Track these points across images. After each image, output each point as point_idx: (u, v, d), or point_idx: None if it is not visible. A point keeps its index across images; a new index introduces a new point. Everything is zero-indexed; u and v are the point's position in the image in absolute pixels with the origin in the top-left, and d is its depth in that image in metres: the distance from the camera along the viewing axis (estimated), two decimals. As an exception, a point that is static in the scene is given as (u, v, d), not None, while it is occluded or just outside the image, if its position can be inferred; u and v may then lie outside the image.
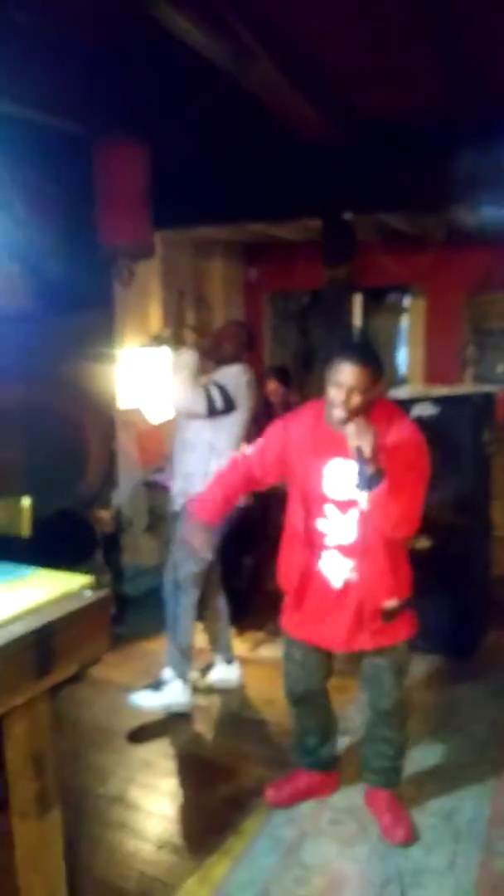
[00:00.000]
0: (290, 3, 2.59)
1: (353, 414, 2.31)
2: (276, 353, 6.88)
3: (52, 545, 3.14)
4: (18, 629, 1.89)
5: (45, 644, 1.96)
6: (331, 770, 2.85)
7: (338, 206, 4.00)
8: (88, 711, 3.49)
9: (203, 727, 3.39)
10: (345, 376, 2.32)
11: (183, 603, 3.48)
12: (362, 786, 2.84)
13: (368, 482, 2.22)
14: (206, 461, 3.44)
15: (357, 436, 2.21)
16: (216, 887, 2.37)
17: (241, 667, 3.82)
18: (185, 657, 3.49)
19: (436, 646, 3.79)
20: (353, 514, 2.43)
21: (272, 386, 5.36)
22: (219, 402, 3.42)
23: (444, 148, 3.64)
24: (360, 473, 2.23)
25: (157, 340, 4.86)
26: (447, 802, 2.76)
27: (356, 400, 2.32)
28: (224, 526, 3.48)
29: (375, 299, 7.01)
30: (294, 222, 5.11)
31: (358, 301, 4.27)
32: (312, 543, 2.53)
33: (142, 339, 4.93)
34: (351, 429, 2.24)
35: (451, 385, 4.56)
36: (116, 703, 3.55)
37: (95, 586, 2.21)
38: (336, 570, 2.51)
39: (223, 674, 3.75)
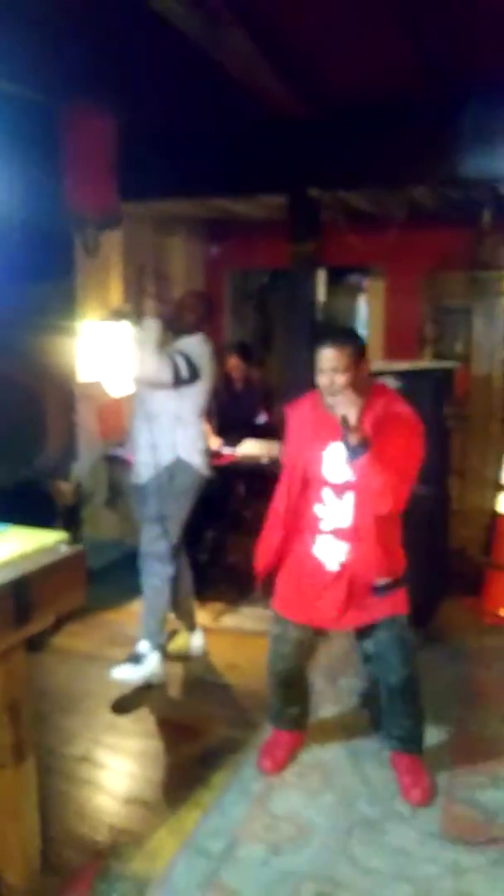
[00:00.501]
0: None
1: (342, 394, 2.42)
2: (236, 331, 6.94)
3: (11, 517, 3.15)
4: (-3, 578, 1.93)
5: (22, 595, 2.00)
6: (302, 728, 2.96)
7: (304, 182, 4.06)
8: (53, 678, 3.51)
9: (168, 691, 3.44)
10: (326, 360, 2.46)
11: (162, 576, 3.50)
12: (325, 741, 2.97)
13: (354, 451, 2.34)
14: (171, 431, 3.47)
15: (342, 406, 2.37)
16: (187, 837, 2.43)
17: (204, 635, 3.89)
18: (160, 629, 3.54)
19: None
20: (349, 498, 2.55)
21: (233, 362, 5.43)
22: (184, 371, 3.41)
23: (409, 126, 3.73)
24: (345, 442, 2.36)
25: (118, 315, 4.86)
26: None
27: (340, 380, 2.43)
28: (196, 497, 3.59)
29: (335, 280, 7.12)
30: (257, 199, 5.18)
31: (322, 277, 4.32)
32: (303, 528, 2.65)
33: (102, 313, 4.94)
34: (337, 400, 2.40)
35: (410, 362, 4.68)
36: (80, 670, 3.60)
37: (70, 542, 2.27)
38: (331, 553, 2.61)
39: (189, 640, 3.80)
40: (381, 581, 2.58)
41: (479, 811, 2.56)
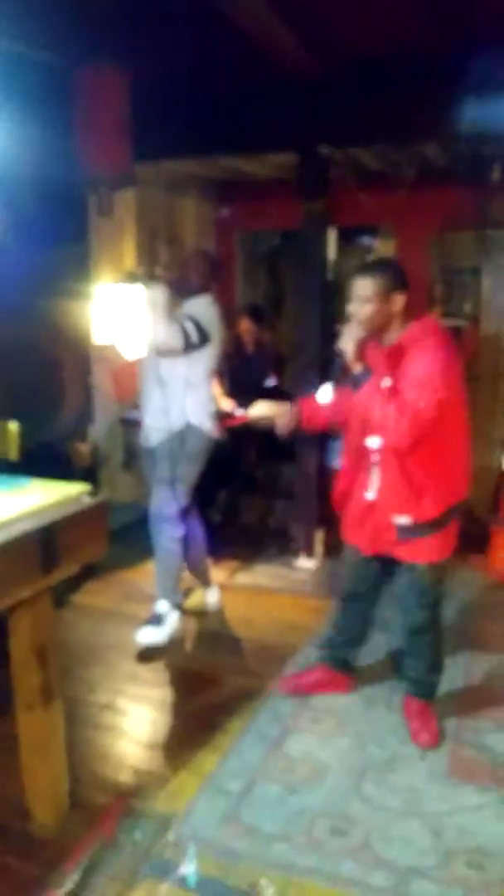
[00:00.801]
0: None
1: (366, 324, 2.47)
2: (247, 294, 6.93)
3: (31, 477, 3.22)
4: (24, 527, 2.00)
5: (49, 542, 2.08)
6: (346, 672, 3.04)
7: (315, 139, 4.05)
8: (75, 633, 3.62)
9: (187, 645, 3.54)
10: (356, 288, 2.50)
11: (173, 537, 3.56)
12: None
13: (354, 381, 2.45)
14: (182, 395, 3.48)
15: (344, 338, 2.45)
16: (206, 778, 2.54)
17: (219, 592, 3.98)
18: (176, 587, 3.62)
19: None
20: None
21: (245, 325, 5.45)
22: (194, 336, 3.40)
23: (419, 84, 3.71)
24: (336, 370, 2.49)
25: (132, 277, 4.89)
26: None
27: (367, 309, 2.46)
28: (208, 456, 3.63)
29: (345, 240, 7.08)
30: (266, 158, 5.15)
31: (332, 237, 4.32)
32: (359, 461, 2.69)
33: (117, 275, 4.96)
34: (343, 330, 2.47)
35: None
36: (100, 625, 3.70)
37: (92, 493, 2.34)
38: (371, 482, 2.66)
39: (204, 597, 3.90)
40: (401, 520, 2.57)
41: (485, 753, 2.66)
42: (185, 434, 3.50)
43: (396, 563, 2.70)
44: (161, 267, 3.61)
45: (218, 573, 4.33)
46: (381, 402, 2.40)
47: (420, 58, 3.57)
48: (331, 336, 4.33)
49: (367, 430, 2.59)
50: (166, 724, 2.95)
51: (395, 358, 2.45)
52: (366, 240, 7.02)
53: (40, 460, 4.14)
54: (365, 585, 2.88)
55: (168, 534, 3.56)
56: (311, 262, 4.27)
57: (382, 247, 6.42)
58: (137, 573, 4.25)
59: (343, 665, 3.03)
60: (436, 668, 2.83)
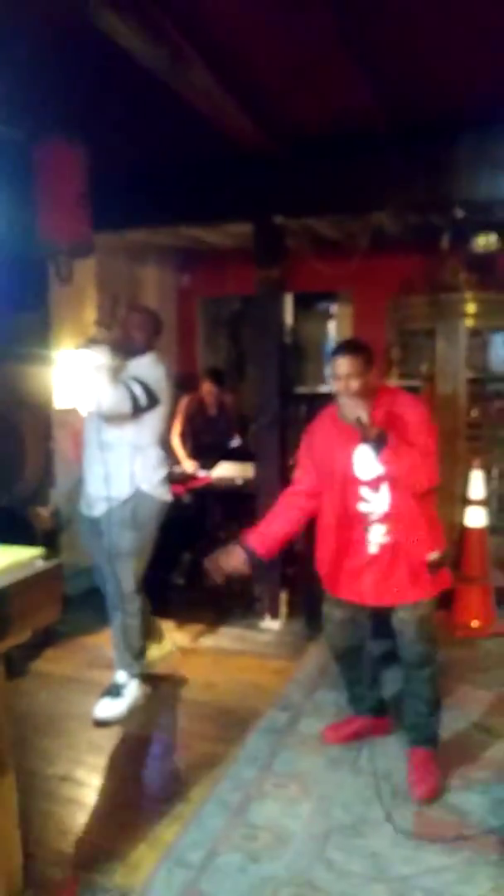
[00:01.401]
0: (222, 12, 2.74)
1: (356, 397, 2.68)
2: (209, 358, 7.04)
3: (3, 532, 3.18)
4: (-27, 594, 1.97)
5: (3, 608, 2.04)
6: (382, 714, 3.12)
7: (268, 210, 4.19)
8: (34, 702, 3.52)
9: (148, 711, 3.45)
10: (339, 368, 2.73)
11: (133, 611, 3.41)
12: (302, 752, 3.01)
13: (376, 444, 2.60)
14: (129, 461, 3.34)
15: (353, 409, 2.65)
16: (166, 849, 2.45)
17: (182, 656, 3.92)
18: (137, 659, 3.47)
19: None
20: (385, 488, 2.77)
21: (206, 387, 5.52)
22: (143, 399, 3.28)
23: (368, 155, 3.87)
24: (365, 440, 2.62)
25: (92, 343, 4.94)
26: (385, 763, 2.89)
27: (354, 384, 2.69)
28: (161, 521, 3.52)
29: (305, 306, 7.26)
30: (225, 227, 5.30)
31: (289, 301, 4.43)
32: (352, 525, 2.83)
33: (77, 341, 5.00)
34: (347, 407, 2.68)
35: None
36: (60, 693, 3.61)
37: (46, 557, 2.32)
38: (374, 538, 2.81)
39: (158, 652, 3.80)
40: (433, 555, 2.78)
41: (451, 813, 2.61)
42: (135, 503, 3.34)
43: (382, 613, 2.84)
44: (102, 328, 3.45)
45: (181, 636, 4.29)
46: (402, 453, 2.62)
47: (366, 132, 3.73)
48: (289, 397, 4.44)
49: (355, 498, 2.80)
50: (126, 794, 2.86)
51: (388, 418, 2.74)
52: (324, 305, 7.22)
53: (0, 525, 4.10)
54: (358, 636, 2.98)
55: (129, 611, 3.40)
56: (268, 327, 4.36)
57: (341, 311, 6.60)
58: (99, 638, 4.16)
59: (375, 710, 3.11)
60: (436, 705, 2.91)
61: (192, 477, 5.01)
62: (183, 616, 4.50)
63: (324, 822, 2.58)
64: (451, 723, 3.22)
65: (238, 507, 4.78)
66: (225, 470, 5.06)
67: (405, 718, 2.95)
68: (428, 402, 5.29)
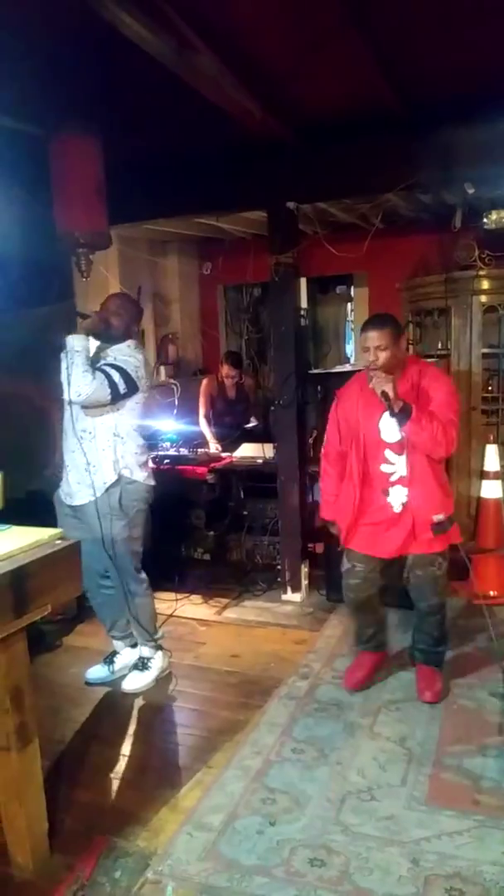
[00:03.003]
0: (226, -1, 2.66)
1: (384, 369, 2.82)
2: (232, 344, 6.99)
3: (24, 523, 3.16)
4: (-6, 571, 1.96)
5: (21, 585, 2.03)
6: (384, 648, 3.37)
7: (281, 196, 4.09)
8: (66, 674, 3.53)
9: (174, 680, 3.44)
10: (368, 341, 2.84)
11: (140, 590, 3.33)
12: (321, 718, 2.98)
13: (400, 417, 2.76)
14: (110, 448, 3.18)
15: (380, 384, 2.77)
16: (187, 813, 2.44)
17: (208, 628, 3.90)
18: (155, 629, 3.43)
19: (395, 601, 3.89)
20: (406, 452, 2.92)
21: (225, 370, 5.47)
22: (122, 386, 3.12)
23: (379, 137, 3.75)
24: (390, 412, 2.77)
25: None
26: (400, 729, 2.87)
27: (384, 356, 2.82)
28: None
29: (322, 290, 7.16)
30: (242, 215, 5.22)
31: (303, 285, 4.35)
32: (373, 484, 3.01)
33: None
34: (374, 381, 2.81)
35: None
36: (91, 666, 3.60)
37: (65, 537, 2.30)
38: (398, 499, 2.97)
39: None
40: (438, 517, 2.90)
41: (465, 778, 2.55)
42: (119, 491, 3.19)
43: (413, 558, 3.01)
44: (79, 316, 3.29)
45: (207, 609, 4.27)
46: (424, 425, 2.76)
47: (377, 114, 3.61)
48: (306, 378, 4.36)
49: (379, 460, 2.98)
50: (150, 761, 2.84)
51: (415, 390, 2.89)
52: (342, 288, 7.10)
53: (31, 508, 4.10)
54: (375, 587, 3.15)
55: (134, 591, 3.30)
56: (284, 311, 4.28)
57: (358, 293, 6.48)
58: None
59: (381, 646, 3.34)
60: (443, 641, 3.19)
61: (217, 458, 4.97)
62: (208, 590, 4.48)
63: (340, 786, 2.54)
64: (467, 690, 3.17)
65: (259, 486, 4.74)
66: (246, 450, 5.01)
67: (415, 643, 3.24)
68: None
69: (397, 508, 2.98)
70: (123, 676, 3.40)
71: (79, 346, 3.12)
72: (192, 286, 6.92)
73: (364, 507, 3.03)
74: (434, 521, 2.91)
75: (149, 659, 3.40)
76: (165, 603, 4.32)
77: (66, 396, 3.14)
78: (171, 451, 4.95)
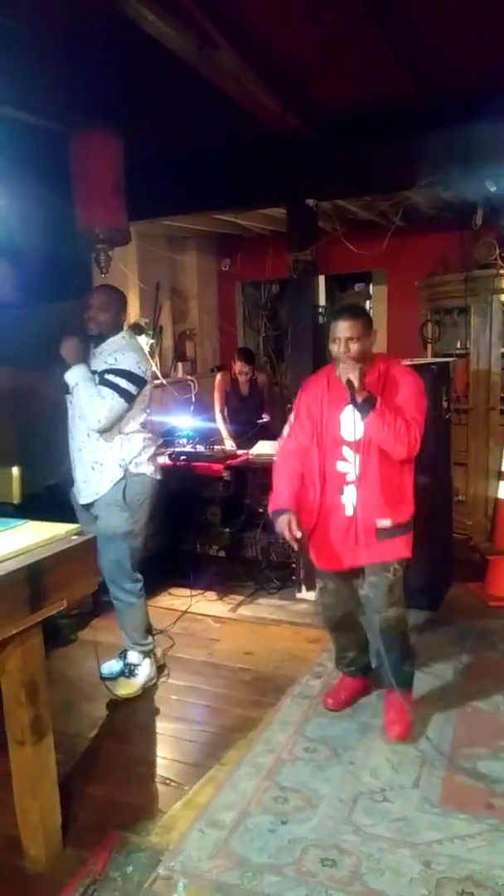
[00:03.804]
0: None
1: (354, 359, 2.66)
2: (250, 340, 6.98)
3: (43, 518, 3.17)
4: (11, 566, 1.97)
5: (37, 580, 2.04)
6: (368, 673, 3.12)
7: (300, 193, 4.07)
8: (81, 668, 3.54)
9: (188, 677, 3.45)
10: (340, 331, 2.69)
11: (134, 591, 3.29)
12: (334, 718, 2.97)
13: (362, 408, 2.59)
14: (117, 445, 3.16)
15: (346, 371, 2.61)
16: (200, 810, 2.44)
17: (222, 625, 3.89)
18: (146, 635, 3.38)
19: (408, 600, 3.88)
20: (363, 450, 2.72)
21: (238, 366, 5.46)
22: (132, 389, 3.08)
23: (398, 134, 3.73)
24: (353, 401, 2.60)
25: (137, 329, 4.93)
26: (414, 730, 2.84)
27: (354, 347, 2.67)
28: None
29: (341, 287, 7.13)
30: (262, 212, 5.20)
31: (322, 282, 4.32)
32: (326, 483, 2.80)
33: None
34: (341, 368, 2.64)
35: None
36: (107, 660, 3.62)
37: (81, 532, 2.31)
38: (350, 499, 2.77)
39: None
40: (382, 523, 2.73)
41: (479, 780, 2.54)
42: (126, 485, 3.16)
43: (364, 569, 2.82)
44: (69, 345, 3.18)
45: (222, 606, 4.28)
46: (388, 419, 2.58)
47: (397, 111, 3.59)
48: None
49: (336, 457, 2.78)
50: (165, 755, 2.85)
51: (380, 383, 2.73)
52: (360, 286, 7.07)
53: (48, 503, 4.13)
54: (351, 604, 2.98)
55: (129, 589, 3.27)
56: (302, 309, 4.26)
57: (376, 291, 6.45)
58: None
59: (364, 671, 3.12)
60: (408, 657, 2.93)
61: (233, 455, 4.97)
62: (222, 587, 4.49)
63: (352, 786, 2.53)
64: (480, 692, 3.15)
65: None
66: (263, 448, 5.01)
67: (378, 665, 2.97)
68: (462, 377, 5.15)
69: (349, 511, 2.78)
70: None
71: (77, 377, 3.10)
72: (211, 282, 6.92)
73: (322, 510, 2.81)
74: (377, 527, 2.72)
75: (136, 666, 3.32)
76: (180, 599, 4.35)
77: (90, 428, 3.11)
78: (188, 448, 4.95)
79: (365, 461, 2.71)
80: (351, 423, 2.70)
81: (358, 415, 2.64)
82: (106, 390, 3.04)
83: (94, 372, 3.14)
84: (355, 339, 2.67)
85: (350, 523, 2.77)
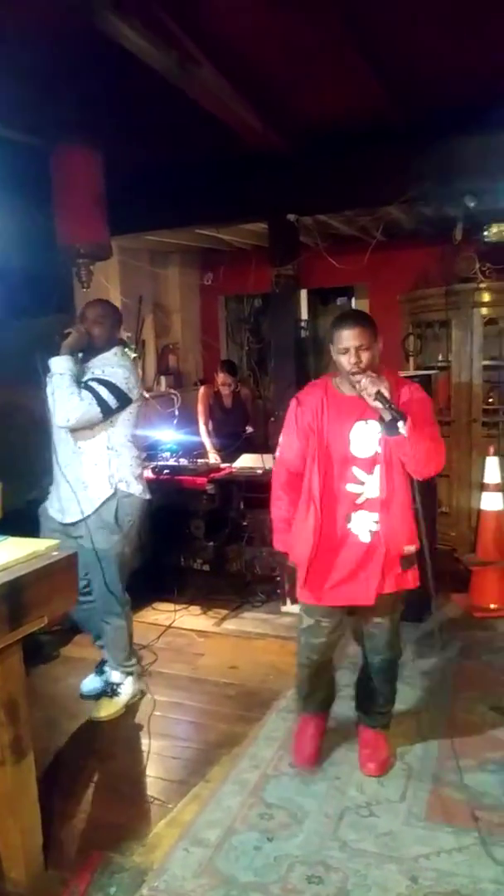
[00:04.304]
0: (227, 11, 2.66)
1: (369, 369, 2.37)
2: (233, 354, 6.98)
3: (25, 532, 3.13)
4: (-12, 583, 1.94)
5: (16, 597, 2.01)
6: (330, 705, 2.92)
7: (281, 208, 4.10)
8: (63, 685, 3.50)
9: (172, 692, 3.41)
10: (351, 339, 2.38)
11: (122, 613, 3.22)
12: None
13: (391, 424, 2.31)
14: (106, 462, 3.09)
15: (374, 383, 2.30)
16: (185, 828, 2.41)
17: (207, 639, 3.86)
18: (129, 656, 3.31)
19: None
20: (378, 470, 2.46)
21: (221, 378, 5.47)
22: (112, 402, 3.00)
23: (379, 149, 3.76)
24: (386, 415, 2.31)
25: (119, 343, 4.91)
26: (400, 744, 2.84)
27: (366, 356, 2.37)
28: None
29: (323, 301, 7.17)
30: (243, 227, 5.22)
31: (304, 297, 4.35)
32: (334, 508, 2.51)
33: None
34: (366, 380, 2.32)
35: (393, 373, 4.68)
36: (86, 675, 3.58)
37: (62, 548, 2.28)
38: (364, 526, 2.50)
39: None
40: (409, 549, 2.51)
41: (464, 793, 2.51)
42: (114, 505, 3.09)
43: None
44: (61, 335, 3.13)
45: (206, 621, 4.25)
46: (423, 437, 2.34)
47: (377, 127, 3.62)
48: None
49: (345, 478, 2.49)
50: (148, 775, 2.81)
51: (396, 398, 2.40)
52: (342, 300, 7.11)
53: (31, 518, 4.09)
54: (335, 647, 2.74)
55: (116, 612, 3.20)
56: (284, 323, 4.28)
57: (358, 305, 6.48)
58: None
59: (328, 706, 2.91)
60: (392, 699, 2.77)
61: (216, 468, 4.96)
62: (207, 601, 4.46)
63: (338, 801, 2.51)
64: (466, 703, 3.14)
65: (259, 497, 4.71)
66: (246, 461, 5.00)
67: (359, 704, 2.82)
68: (444, 390, 5.18)
69: (365, 538, 2.49)
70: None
71: (62, 367, 3.01)
72: (193, 296, 6.93)
73: (322, 539, 2.50)
74: (404, 553, 2.50)
75: (118, 685, 3.27)
76: (164, 614, 4.31)
77: (54, 421, 3.04)
78: (171, 462, 4.93)
79: (388, 481, 2.45)
80: (363, 441, 2.46)
81: (372, 431, 2.43)
82: (86, 394, 2.97)
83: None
84: (366, 347, 2.38)
85: (368, 552, 2.49)
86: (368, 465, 2.48)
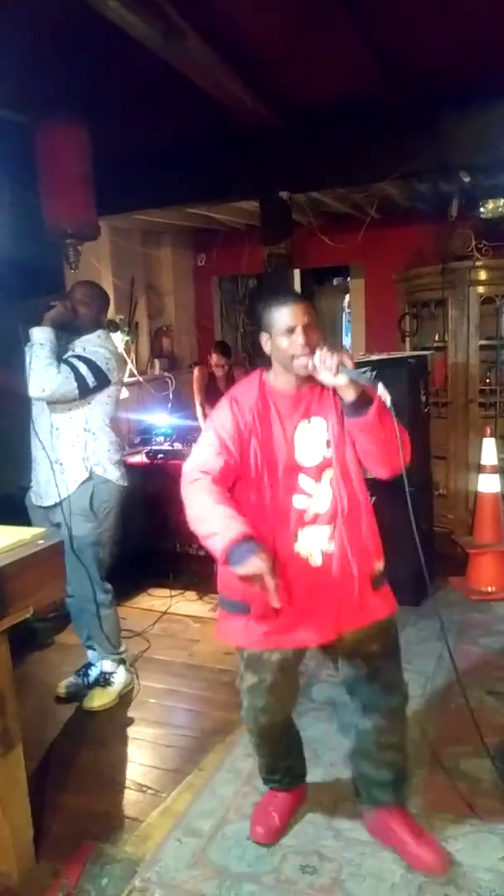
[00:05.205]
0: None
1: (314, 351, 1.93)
2: (227, 335, 6.91)
3: (16, 520, 3.07)
4: (-29, 573, 1.89)
5: (0, 587, 1.96)
6: (304, 780, 2.44)
7: (273, 185, 4.01)
8: (56, 672, 3.46)
9: (167, 679, 3.39)
10: (297, 317, 1.95)
11: (105, 600, 3.17)
12: (314, 719, 2.91)
13: (355, 405, 1.90)
14: (82, 444, 3.03)
15: (331, 355, 1.88)
16: (178, 818, 2.38)
17: (202, 625, 3.83)
18: (118, 642, 3.28)
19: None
20: (328, 477, 2.03)
21: (215, 359, 5.40)
22: (90, 379, 2.93)
23: (372, 125, 3.68)
24: (350, 393, 1.89)
25: (112, 326, 4.84)
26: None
27: (315, 336, 1.95)
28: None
29: (319, 281, 7.09)
30: (236, 206, 5.13)
31: (297, 276, 4.27)
32: (281, 527, 2.01)
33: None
34: (323, 351, 1.89)
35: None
36: (82, 664, 3.55)
37: (48, 536, 2.23)
38: (314, 544, 2.04)
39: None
40: (379, 566, 2.10)
41: (461, 780, 2.50)
42: (90, 489, 3.03)
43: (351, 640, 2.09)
44: (58, 310, 3.09)
45: (202, 606, 4.21)
46: (389, 422, 1.92)
47: (370, 102, 3.53)
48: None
49: (290, 490, 2.01)
50: (142, 763, 2.78)
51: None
52: (339, 280, 7.03)
53: (19, 505, 4.04)
54: (291, 701, 2.25)
55: (99, 600, 3.13)
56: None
57: (354, 285, 6.41)
58: (122, 611, 4.09)
59: (300, 778, 2.42)
60: (407, 758, 2.26)
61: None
62: (202, 586, 4.42)
63: (332, 789, 2.48)
64: (464, 687, 3.10)
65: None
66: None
67: (371, 780, 2.24)
68: (441, 370, 5.12)
69: (316, 560, 2.02)
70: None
71: (42, 338, 2.94)
72: (187, 278, 6.84)
73: (284, 570, 1.96)
74: (375, 571, 2.08)
75: (111, 674, 3.22)
76: (160, 600, 4.28)
77: (29, 392, 2.96)
78: (166, 446, 4.88)
79: (343, 488, 2.02)
80: (308, 444, 2.01)
81: (318, 431, 2.01)
82: (65, 367, 2.91)
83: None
84: (314, 326, 1.97)
85: (325, 577, 2.02)
86: (316, 472, 2.02)
